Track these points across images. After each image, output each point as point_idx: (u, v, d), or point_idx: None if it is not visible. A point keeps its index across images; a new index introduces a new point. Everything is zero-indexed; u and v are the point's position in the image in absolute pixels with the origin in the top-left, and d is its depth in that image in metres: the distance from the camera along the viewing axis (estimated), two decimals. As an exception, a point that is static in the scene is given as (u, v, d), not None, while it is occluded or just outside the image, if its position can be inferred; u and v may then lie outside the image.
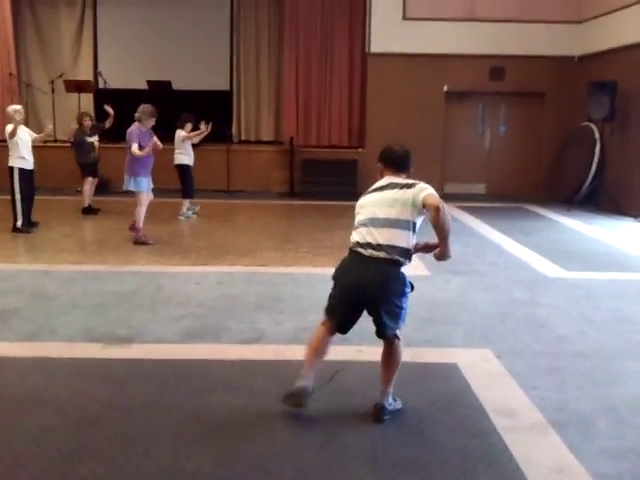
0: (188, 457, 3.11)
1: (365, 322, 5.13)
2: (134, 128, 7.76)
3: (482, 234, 9.06)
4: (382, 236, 3.41)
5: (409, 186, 3.48)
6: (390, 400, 3.59)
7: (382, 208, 3.45)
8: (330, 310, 3.60)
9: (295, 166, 12.70)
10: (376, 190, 3.57)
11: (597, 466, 3.10)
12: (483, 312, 5.46)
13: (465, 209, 11.14)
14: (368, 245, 3.42)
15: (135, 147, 7.64)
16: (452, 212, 10.91)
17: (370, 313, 3.54)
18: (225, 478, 2.97)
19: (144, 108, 7.76)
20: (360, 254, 3.45)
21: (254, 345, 4.61)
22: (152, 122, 7.83)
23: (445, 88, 12.68)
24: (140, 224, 7.88)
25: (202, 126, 9.89)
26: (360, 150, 13.00)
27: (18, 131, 8.25)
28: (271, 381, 3.99)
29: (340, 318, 3.56)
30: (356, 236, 3.50)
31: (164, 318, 5.11)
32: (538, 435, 3.40)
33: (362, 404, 3.66)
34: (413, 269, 6.79)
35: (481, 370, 4.23)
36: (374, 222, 3.44)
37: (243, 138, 13.88)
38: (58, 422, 3.40)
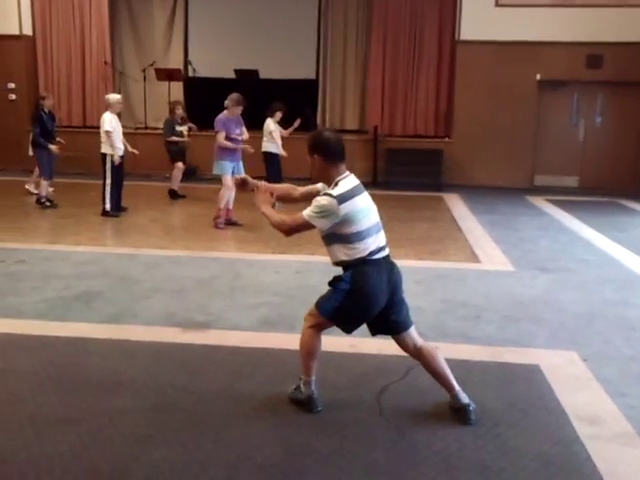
0: (258, 447, 3.10)
1: (442, 316, 5.00)
2: (222, 116, 7.95)
3: (572, 229, 8.65)
4: (383, 238, 3.42)
5: None
6: (466, 398, 3.44)
7: (374, 214, 3.39)
8: (347, 323, 3.45)
9: (379, 155, 12.56)
10: (356, 194, 3.30)
11: (691, 484, 2.87)
12: (570, 312, 5.20)
13: (555, 202, 10.69)
14: (380, 249, 3.35)
15: (221, 136, 7.81)
16: (541, 205, 10.51)
17: (394, 312, 3.42)
18: (294, 471, 2.94)
19: (232, 96, 7.94)
20: (379, 259, 3.33)
21: (328, 337, 4.54)
22: (239, 110, 7.98)
23: (538, 77, 12.18)
24: (220, 204, 8.01)
25: (296, 123, 9.98)
26: (446, 140, 12.71)
27: (113, 120, 8.55)
28: (344, 374, 3.93)
29: (358, 327, 3.50)
30: (367, 246, 3.29)
31: (241, 305, 5.14)
32: (625, 446, 3.19)
33: (436, 402, 3.55)
34: (498, 264, 6.64)
35: (565, 373, 4.01)
36: (376, 228, 3.37)
37: (328, 127, 13.85)
38: (134, 405, 3.47)
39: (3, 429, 3.19)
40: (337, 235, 3.29)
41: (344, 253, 3.30)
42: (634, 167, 12.27)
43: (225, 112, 7.97)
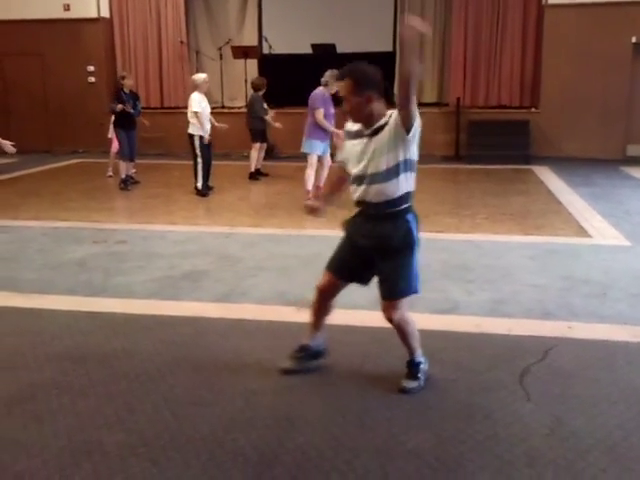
0: (405, 433, 2.91)
1: (566, 294, 4.66)
2: (319, 92, 7.65)
3: (680, 201, 8.11)
4: (366, 194, 3.29)
5: None
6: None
7: (360, 164, 3.24)
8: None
9: (461, 128, 12.13)
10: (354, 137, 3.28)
11: None
12: None
13: (653, 173, 10.11)
14: (359, 202, 3.37)
15: (320, 113, 7.55)
16: (637, 176, 9.97)
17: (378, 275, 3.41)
18: (450, 458, 2.73)
19: (332, 72, 7.49)
20: (362, 211, 3.40)
21: (451, 316, 4.33)
22: (336, 88, 7.67)
23: (633, 39, 11.45)
24: (308, 186, 7.80)
25: None
26: (533, 110, 12.16)
27: (203, 102, 8.46)
28: (477, 355, 3.70)
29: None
30: (353, 191, 3.32)
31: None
32: None
33: (586, 386, 3.28)
34: (610, 239, 6.24)
35: None
36: (358, 180, 3.30)
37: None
38: (265, 386, 3.34)
39: (140, 410, 3.09)
40: None
41: None
42: None
43: (322, 89, 7.67)
